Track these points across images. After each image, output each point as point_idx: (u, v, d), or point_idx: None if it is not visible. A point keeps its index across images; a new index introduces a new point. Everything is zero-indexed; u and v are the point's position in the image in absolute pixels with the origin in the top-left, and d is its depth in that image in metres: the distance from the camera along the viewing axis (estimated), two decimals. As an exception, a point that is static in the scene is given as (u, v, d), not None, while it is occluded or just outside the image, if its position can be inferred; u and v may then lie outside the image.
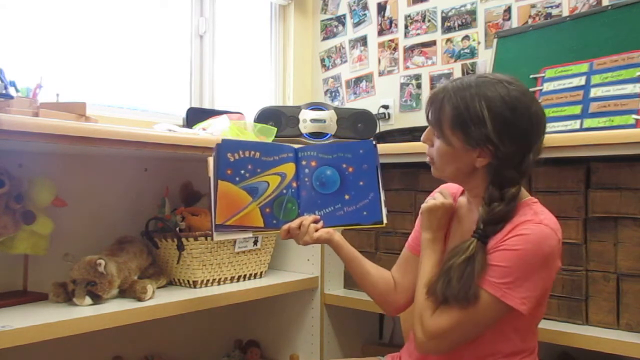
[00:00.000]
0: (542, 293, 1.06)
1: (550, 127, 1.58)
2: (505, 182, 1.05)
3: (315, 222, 1.25)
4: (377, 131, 2.14)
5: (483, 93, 1.04)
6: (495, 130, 1.02)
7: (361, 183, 1.26)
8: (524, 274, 1.00)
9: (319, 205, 1.27)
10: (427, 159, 1.17)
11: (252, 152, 1.26)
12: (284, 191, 1.27)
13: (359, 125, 2.09)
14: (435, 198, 1.20)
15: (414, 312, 1.11)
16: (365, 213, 1.26)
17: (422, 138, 1.16)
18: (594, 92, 1.54)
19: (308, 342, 1.89)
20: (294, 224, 1.24)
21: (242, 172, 1.24)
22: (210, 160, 1.25)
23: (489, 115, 1.02)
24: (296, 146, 1.32)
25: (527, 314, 1.02)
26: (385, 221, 1.25)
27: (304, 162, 1.29)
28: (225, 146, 1.24)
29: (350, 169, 1.28)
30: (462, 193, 1.23)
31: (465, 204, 1.21)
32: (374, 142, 1.28)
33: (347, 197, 1.27)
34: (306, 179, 1.29)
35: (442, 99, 1.08)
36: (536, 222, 1.02)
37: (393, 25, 2.43)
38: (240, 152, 1.25)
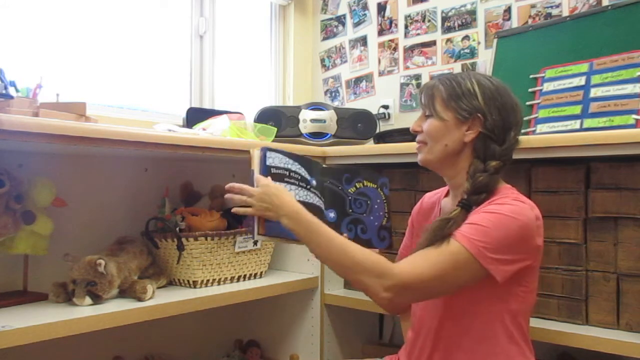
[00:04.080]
0: (517, 266, 1.07)
1: (550, 127, 1.58)
2: (488, 155, 1.14)
3: None
4: (377, 131, 2.14)
5: (473, 75, 1.19)
6: (484, 101, 1.14)
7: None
8: (501, 238, 1.04)
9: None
10: (416, 147, 1.22)
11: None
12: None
13: (359, 125, 2.09)
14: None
15: (361, 270, 1.06)
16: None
17: (412, 127, 1.23)
18: (594, 92, 1.54)
19: (308, 342, 1.89)
20: None
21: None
22: (256, 153, 1.21)
23: (479, 89, 1.15)
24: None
25: (501, 281, 1.05)
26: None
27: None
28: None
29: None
30: (447, 195, 1.28)
31: (449, 204, 1.24)
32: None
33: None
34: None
35: (435, 82, 1.20)
36: (513, 198, 1.11)
37: (393, 25, 2.42)
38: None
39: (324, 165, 1.34)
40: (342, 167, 1.35)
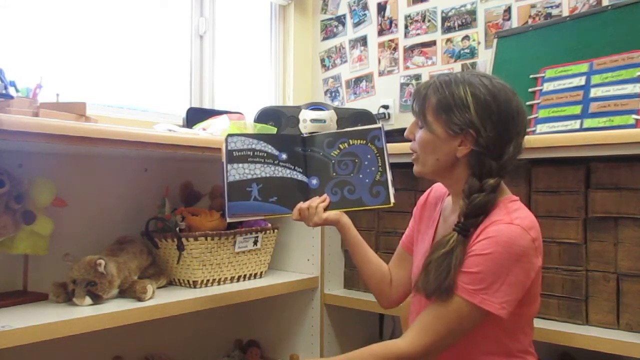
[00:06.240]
0: (521, 294, 1.04)
1: (550, 127, 1.58)
2: (485, 172, 1.07)
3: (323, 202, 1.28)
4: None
5: (468, 81, 1.08)
6: (477, 115, 1.05)
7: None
8: (497, 277, 1.00)
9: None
10: (412, 157, 1.18)
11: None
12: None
13: (359, 125, 2.09)
14: None
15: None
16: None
17: (405, 132, 1.18)
18: (594, 92, 1.54)
19: (308, 342, 1.89)
20: (304, 205, 1.27)
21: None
22: (223, 145, 1.30)
23: (473, 100, 1.05)
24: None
25: (507, 317, 1.02)
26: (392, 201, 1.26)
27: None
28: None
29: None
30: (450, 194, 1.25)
31: (449, 207, 1.22)
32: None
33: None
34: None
35: (427, 88, 1.11)
36: (506, 223, 1.03)
37: (393, 25, 2.43)
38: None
39: (304, 135, 1.37)
40: (328, 133, 1.35)
